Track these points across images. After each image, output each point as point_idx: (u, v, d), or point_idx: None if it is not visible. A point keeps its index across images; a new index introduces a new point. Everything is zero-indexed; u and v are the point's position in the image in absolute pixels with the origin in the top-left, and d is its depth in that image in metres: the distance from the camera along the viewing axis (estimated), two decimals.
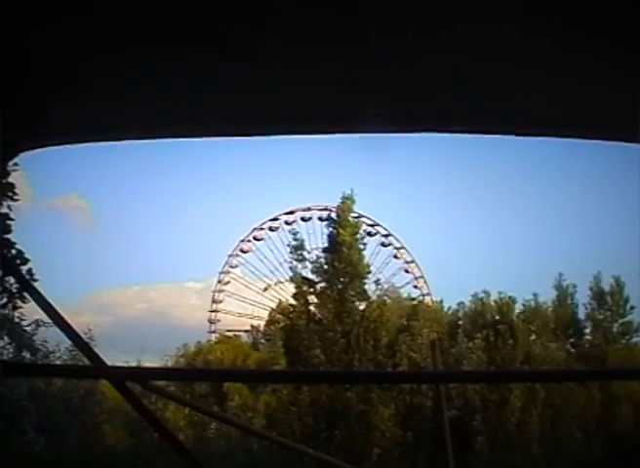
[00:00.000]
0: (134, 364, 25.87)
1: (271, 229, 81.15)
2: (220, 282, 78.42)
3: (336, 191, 49.47)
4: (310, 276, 46.77)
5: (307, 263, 47.67)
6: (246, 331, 65.99)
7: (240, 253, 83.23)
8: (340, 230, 45.86)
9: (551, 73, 1.68)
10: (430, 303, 56.63)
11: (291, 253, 48.99)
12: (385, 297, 47.51)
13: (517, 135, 1.89)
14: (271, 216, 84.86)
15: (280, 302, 52.10)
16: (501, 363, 31.52)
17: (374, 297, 46.22)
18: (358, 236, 47.61)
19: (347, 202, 47.53)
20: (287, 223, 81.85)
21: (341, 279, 45.81)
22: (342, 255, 45.44)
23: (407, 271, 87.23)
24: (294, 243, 48.89)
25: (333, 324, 43.75)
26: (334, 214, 48.89)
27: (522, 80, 1.72)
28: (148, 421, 2.02)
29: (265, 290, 67.57)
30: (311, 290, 46.16)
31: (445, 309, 46.22)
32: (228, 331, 72.95)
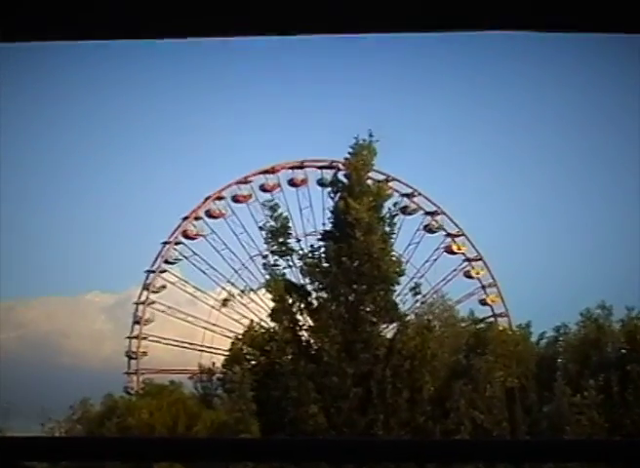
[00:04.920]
0: None
1: (237, 199, 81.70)
2: (146, 288, 78.79)
3: (345, 136, 49.53)
4: (301, 280, 46.95)
5: (296, 259, 47.73)
6: (192, 375, 66.26)
7: (182, 240, 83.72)
8: (352, 201, 45.70)
9: None
10: (507, 328, 56.87)
11: (268, 240, 48.89)
12: (431, 317, 47.75)
13: (524, 29, 2.92)
14: (238, 178, 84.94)
15: (251, 325, 52.27)
16: (632, 430, 31.42)
17: (410, 316, 46.45)
18: (384, 212, 47.58)
19: (364, 154, 47.26)
20: (263, 189, 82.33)
21: (354, 285, 45.67)
22: (356, 245, 45.31)
23: (469, 275, 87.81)
24: (273, 223, 48.90)
25: (340, 362, 43.73)
26: (342, 175, 48.79)
27: None
28: None
29: (225, 303, 67.97)
30: (302, 304, 46.17)
31: (533, 338, 46.37)
32: (162, 372, 73.26)
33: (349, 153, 46.19)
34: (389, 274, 44.67)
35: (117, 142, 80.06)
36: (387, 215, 46.66)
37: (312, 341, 44.30)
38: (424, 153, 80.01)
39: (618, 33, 2.86)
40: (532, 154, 76.18)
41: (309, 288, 45.37)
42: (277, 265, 45.79)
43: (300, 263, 45.76)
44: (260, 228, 49.97)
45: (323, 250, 45.72)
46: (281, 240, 45.71)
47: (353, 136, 46.15)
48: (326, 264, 45.11)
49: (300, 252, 46.51)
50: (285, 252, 45.56)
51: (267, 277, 46.60)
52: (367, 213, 44.37)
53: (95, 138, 75.66)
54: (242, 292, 63.07)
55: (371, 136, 46.05)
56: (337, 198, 45.99)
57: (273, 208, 47.15)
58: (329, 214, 47.18)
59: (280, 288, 44.52)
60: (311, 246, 47.24)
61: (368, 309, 44.03)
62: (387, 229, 45.94)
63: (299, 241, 48.95)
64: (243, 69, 68.63)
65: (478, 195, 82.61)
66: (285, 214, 48.42)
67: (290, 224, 47.24)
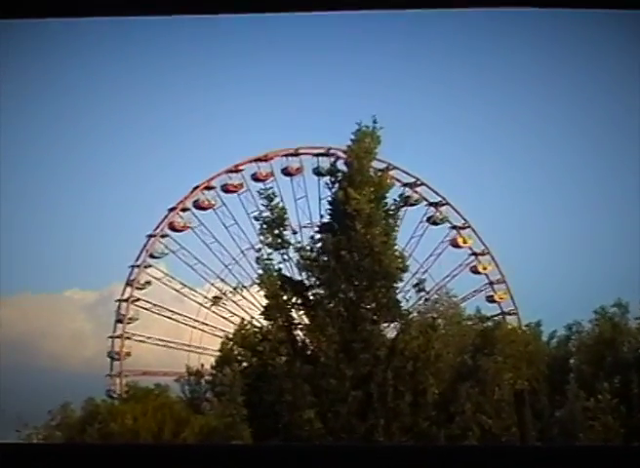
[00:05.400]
0: None
1: (227, 189, 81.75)
2: (130, 284, 79.03)
3: (345, 123, 49.22)
4: (297, 275, 46.99)
5: (292, 252, 47.79)
6: (180, 377, 66.26)
7: (169, 232, 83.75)
8: (352, 191, 45.76)
9: None
10: (516, 327, 57.00)
11: (262, 232, 48.97)
12: (435, 315, 47.80)
13: (528, 5, 3.17)
14: (228, 166, 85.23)
15: (242, 324, 52.32)
16: None
17: (413, 314, 46.49)
18: (386, 203, 47.60)
19: (366, 141, 47.30)
20: (255, 178, 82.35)
21: (355, 281, 45.72)
22: (356, 238, 45.41)
23: (475, 270, 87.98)
24: (267, 214, 48.93)
25: (337, 363, 43.79)
26: (342, 164, 48.85)
27: None
28: None
29: (216, 302, 67.98)
30: (299, 300, 46.23)
31: (544, 337, 46.45)
32: (147, 374, 73.30)
33: (351, 140, 46.12)
34: (391, 269, 44.63)
35: (98, 131, 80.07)
36: (391, 207, 46.66)
37: (308, 341, 44.32)
38: (427, 142, 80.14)
39: (620, 9, 2.99)
40: (548, 143, 76.09)
41: (306, 283, 45.34)
42: (271, 259, 45.75)
43: (296, 257, 45.72)
44: (256, 218, 49.97)
45: (321, 243, 45.68)
46: (276, 231, 45.62)
47: (355, 122, 46.08)
48: (325, 258, 45.07)
49: (297, 245, 46.47)
50: (280, 244, 45.48)
51: (260, 272, 46.53)
52: (368, 204, 44.29)
53: (75, 129, 75.69)
54: (234, 290, 63.06)
55: (374, 122, 46.01)
56: (335, 188, 45.94)
57: (269, 197, 47.00)
58: (326, 205, 47.12)
59: (274, 283, 44.49)
60: (311, 237, 47.29)
61: (368, 307, 44.02)
62: (390, 221, 45.90)
63: (295, 233, 49.00)
64: (233, 51, 68.62)
65: (485, 185, 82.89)
66: (280, 204, 48.41)
67: (286, 215, 47.21)
